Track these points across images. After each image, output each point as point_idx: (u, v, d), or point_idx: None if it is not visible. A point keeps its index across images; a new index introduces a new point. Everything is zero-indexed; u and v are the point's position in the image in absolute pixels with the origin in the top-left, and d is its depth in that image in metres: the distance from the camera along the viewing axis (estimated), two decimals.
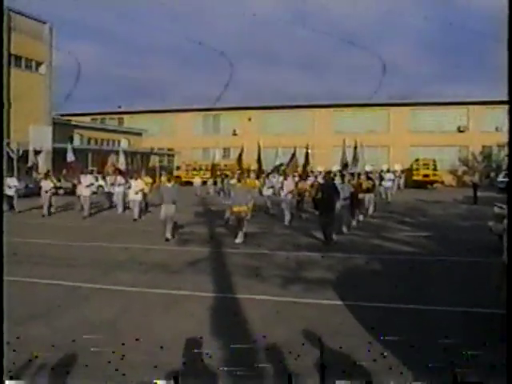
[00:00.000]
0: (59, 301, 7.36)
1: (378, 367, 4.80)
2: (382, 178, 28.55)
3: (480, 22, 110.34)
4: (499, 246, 6.96)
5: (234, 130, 52.79)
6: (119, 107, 61.01)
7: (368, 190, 18.70)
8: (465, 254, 11.29)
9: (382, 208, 22.00)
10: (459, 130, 49.99)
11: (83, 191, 19.44)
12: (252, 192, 15.27)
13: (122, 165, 23.35)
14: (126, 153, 23.56)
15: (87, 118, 55.49)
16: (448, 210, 22.66)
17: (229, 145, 49.25)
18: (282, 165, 21.68)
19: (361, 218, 17.72)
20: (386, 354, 5.22)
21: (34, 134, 33.57)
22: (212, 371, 4.83)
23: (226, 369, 4.84)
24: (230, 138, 50.80)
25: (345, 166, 19.34)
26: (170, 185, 14.26)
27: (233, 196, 14.27)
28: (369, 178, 20.16)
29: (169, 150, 54.56)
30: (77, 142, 44.21)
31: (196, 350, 5.32)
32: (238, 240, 13.08)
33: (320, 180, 20.90)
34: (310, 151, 21.01)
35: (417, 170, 45.04)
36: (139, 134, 54.32)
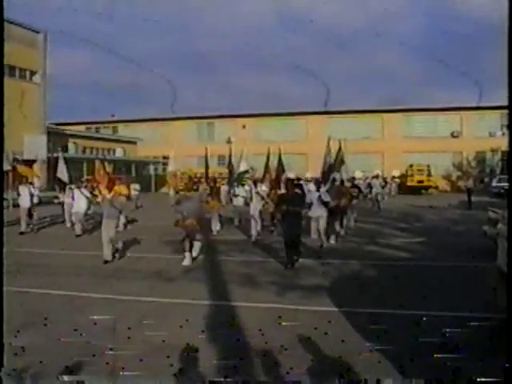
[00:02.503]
0: None
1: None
2: (371, 185, 27.79)
3: (474, 27, 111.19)
4: (494, 250, 7.01)
5: (229, 138, 52.78)
6: (112, 116, 60.96)
7: (352, 200, 17.11)
8: (460, 259, 11.34)
9: (371, 215, 21.85)
10: (453, 136, 50.15)
11: (21, 202, 17.31)
12: (202, 204, 13.17)
13: (61, 174, 19.56)
14: (66, 159, 19.91)
15: (82, 127, 55.39)
16: (443, 215, 22.72)
17: (223, 152, 49.16)
18: (247, 171, 19.15)
19: (342, 232, 15.63)
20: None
21: (28, 144, 33.56)
22: None
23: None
24: (225, 145, 50.71)
25: (328, 170, 16.56)
26: (109, 196, 12.12)
27: (182, 207, 11.71)
28: (354, 186, 18.60)
29: (164, 157, 54.59)
30: (72, 151, 44.15)
31: None
32: (185, 262, 11.00)
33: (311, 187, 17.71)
34: (282, 156, 18.24)
35: (411, 175, 45.13)
36: (134, 143, 54.35)
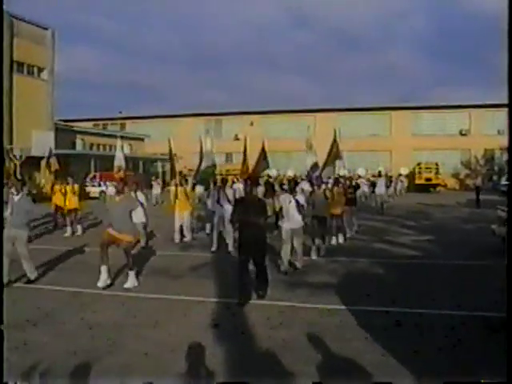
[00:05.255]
0: None
1: None
2: (374, 184, 25.70)
3: (482, 26, 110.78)
4: (502, 249, 6.94)
5: (236, 135, 52.75)
6: (120, 112, 61.10)
7: (347, 203, 14.03)
8: (469, 257, 11.26)
9: (373, 219, 19.82)
10: (461, 134, 49.97)
11: None
12: (135, 208, 9.25)
13: None
14: None
15: (89, 124, 55.53)
16: (451, 214, 22.60)
17: (231, 150, 49.08)
18: (214, 166, 15.69)
19: (331, 242, 12.81)
20: None
21: (36, 140, 33.62)
22: None
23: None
24: (233, 142, 50.70)
25: (311, 169, 13.93)
26: (17, 197, 8.92)
27: (110, 215, 8.86)
28: (349, 186, 15.45)
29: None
30: (79, 147, 44.29)
31: None
32: (100, 282, 8.44)
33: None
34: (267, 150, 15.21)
35: (419, 173, 45.02)
36: (141, 140, 54.40)
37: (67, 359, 5.21)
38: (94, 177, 35.98)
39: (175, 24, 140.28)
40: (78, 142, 45.23)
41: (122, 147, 15.55)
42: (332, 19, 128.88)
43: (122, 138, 51.34)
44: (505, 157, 47.47)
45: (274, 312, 7.04)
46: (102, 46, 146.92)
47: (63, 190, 15.86)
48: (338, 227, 13.40)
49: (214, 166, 15.62)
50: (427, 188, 43.43)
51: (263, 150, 15.09)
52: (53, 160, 16.21)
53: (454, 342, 5.68)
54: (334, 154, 14.24)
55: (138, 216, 11.59)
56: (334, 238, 13.17)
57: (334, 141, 14.56)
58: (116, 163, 15.07)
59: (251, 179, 8.82)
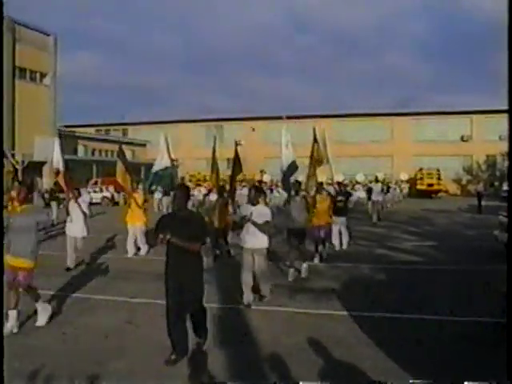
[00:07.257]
0: None
1: None
2: (370, 190, 23.72)
3: (484, 31, 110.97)
4: (505, 255, 6.94)
5: (239, 141, 52.78)
6: (122, 117, 61.31)
7: (338, 212, 12.87)
8: (471, 263, 11.24)
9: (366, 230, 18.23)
10: (463, 140, 49.99)
11: None
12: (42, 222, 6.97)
13: None
14: None
15: (91, 129, 55.65)
16: (453, 219, 22.58)
17: (232, 155, 48.92)
18: (167, 169, 13.88)
19: (313, 260, 11.05)
20: None
21: (38, 146, 33.69)
22: None
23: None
24: (234, 148, 50.49)
25: (287, 172, 11.03)
26: None
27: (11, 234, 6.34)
28: (341, 192, 14.02)
29: (172, 160, 54.50)
30: (81, 153, 44.39)
31: None
32: (7, 327, 6.09)
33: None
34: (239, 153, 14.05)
35: (421, 179, 45.00)
36: (143, 145, 54.50)
37: (70, 363, 5.22)
38: (96, 182, 36.04)
39: (177, 29, 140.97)
40: (80, 148, 45.35)
41: (76, 149, 13.83)
42: (333, 23, 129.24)
43: (124, 143, 51.55)
44: (506, 162, 47.43)
45: (276, 318, 7.03)
46: (104, 51, 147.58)
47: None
48: (323, 240, 11.66)
49: (167, 168, 13.96)
50: (429, 194, 43.42)
51: (236, 155, 14.15)
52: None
53: (457, 347, 5.67)
54: (315, 159, 11.88)
55: (75, 229, 10.84)
56: (316, 255, 11.36)
57: (315, 141, 12.02)
58: (54, 165, 13.29)
59: (182, 187, 6.24)
